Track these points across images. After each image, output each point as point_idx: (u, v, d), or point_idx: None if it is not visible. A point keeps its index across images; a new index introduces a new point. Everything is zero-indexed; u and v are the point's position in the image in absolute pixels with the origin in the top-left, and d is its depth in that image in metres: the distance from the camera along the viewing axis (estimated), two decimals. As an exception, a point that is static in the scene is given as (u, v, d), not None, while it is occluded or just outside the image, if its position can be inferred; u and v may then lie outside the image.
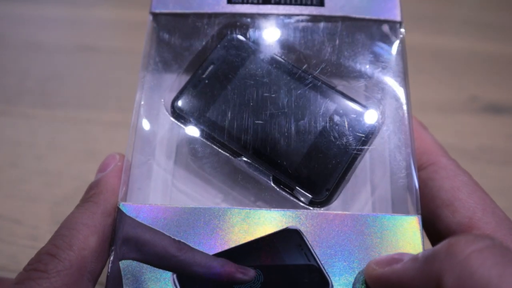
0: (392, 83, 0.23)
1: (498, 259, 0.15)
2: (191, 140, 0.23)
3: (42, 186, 0.35)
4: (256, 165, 0.21)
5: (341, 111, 0.22)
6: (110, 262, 0.19)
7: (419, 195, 0.21)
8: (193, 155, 0.23)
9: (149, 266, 0.19)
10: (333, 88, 0.22)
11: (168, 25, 0.24)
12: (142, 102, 0.22)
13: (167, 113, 0.22)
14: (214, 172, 0.22)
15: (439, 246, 0.16)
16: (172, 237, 0.19)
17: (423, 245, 0.19)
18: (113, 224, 0.19)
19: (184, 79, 0.23)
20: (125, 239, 0.19)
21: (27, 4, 0.49)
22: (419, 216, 0.20)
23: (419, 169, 0.22)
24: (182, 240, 0.19)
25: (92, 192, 0.20)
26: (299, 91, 0.22)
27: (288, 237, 0.19)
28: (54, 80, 0.42)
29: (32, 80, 0.42)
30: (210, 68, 0.23)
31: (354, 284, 0.18)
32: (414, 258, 0.17)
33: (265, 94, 0.22)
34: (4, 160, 0.37)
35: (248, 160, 0.21)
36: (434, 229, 0.21)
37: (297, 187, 0.21)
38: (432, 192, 0.21)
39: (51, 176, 0.35)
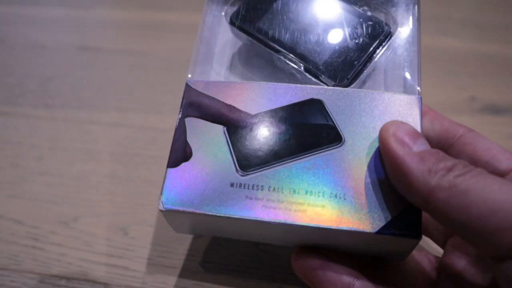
0: (404, 7, 0.29)
1: None
2: (245, 45, 0.29)
3: (42, 186, 0.35)
4: (293, 59, 0.26)
5: (361, 21, 0.27)
6: (178, 119, 0.25)
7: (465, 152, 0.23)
8: (245, 58, 0.29)
9: (206, 121, 0.25)
10: (357, 6, 0.28)
11: None
12: (207, 16, 0.29)
13: (226, 28, 0.29)
14: (261, 74, 0.28)
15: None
16: (225, 102, 0.25)
17: (421, 119, 0.23)
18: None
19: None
20: (190, 103, 0.25)
21: (28, 5, 0.49)
22: (419, 96, 0.25)
23: (451, 140, 0.24)
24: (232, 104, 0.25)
25: None
26: (330, 7, 0.28)
27: (313, 104, 0.25)
28: (55, 80, 0.42)
29: (33, 80, 0.42)
30: None
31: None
32: (416, 159, 0.20)
33: (304, 9, 0.28)
34: (5, 160, 0.37)
35: (288, 55, 0.27)
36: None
37: (323, 75, 0.26)
38: (477, 149, 0.23)
39: (51, 176, 0.36)
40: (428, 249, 0.30)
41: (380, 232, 0.21)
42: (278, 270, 0.30)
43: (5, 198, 0.35)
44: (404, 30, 0.27)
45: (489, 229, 0.17)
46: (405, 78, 0.26)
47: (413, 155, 0.20)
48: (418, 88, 0.25)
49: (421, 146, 0.21)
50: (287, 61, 0.27)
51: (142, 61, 0.44)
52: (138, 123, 0.39)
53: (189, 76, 0.27)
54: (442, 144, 0.24)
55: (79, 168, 0.36)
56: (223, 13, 0.29)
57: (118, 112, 0.40)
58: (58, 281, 0.30)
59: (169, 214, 0.23)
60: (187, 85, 0.26)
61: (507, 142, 0.38)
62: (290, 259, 0.24)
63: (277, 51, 0.27)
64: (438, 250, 0.28)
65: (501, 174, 0.22)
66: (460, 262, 0.24)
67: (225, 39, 0.29)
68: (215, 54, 0.28)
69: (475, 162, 0.23)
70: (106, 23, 0.48)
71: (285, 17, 0.28)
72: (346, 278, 0.22)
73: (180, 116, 0.25)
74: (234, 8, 0.28)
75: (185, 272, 0.30)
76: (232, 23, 0.28)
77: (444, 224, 0.19)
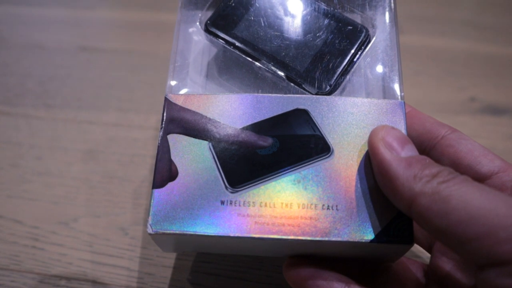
0: (381, 10, 0.28)
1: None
2: (220, 53, 0.28)
3: (42, 186, 0.35)
4: (274, 68, 0.26)
5: (340, 26, 0.27)
6: (160, 136, 0.24)
7: (448, 155, 0.24)
8: (222, 68, 0.28)
9: (190, 137, 0.24)
10: (335, 10, 0.28)
11: None
12: (181, 24, 0.28)
13: (201, 36, 0.28)
14: (240, 83, 0.27)
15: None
16: (208, 116, 0.24)
17: (405, 124, 0.24)
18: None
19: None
20: (171, 119, 0.24)
21: (28, 5, 0.49)
22: (403, 101, 0.24)
23: (433, 142, 0.24)
24: (214, 118, 0.24)
25: None
26: (307, 12, 0.27)
27: (298, 115, 0.24)
28: (55, 80, 0.42)
29: (33, 81, 0.42)
30: None
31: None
32: (405, 165, 0.20)
33: (280, 15, 0.27)
34: (5, 160, 0.37)
35: (269, 64, 0.26)
36: (475, 176, 0.23)
37: (305, 83, 0.25)
38: (458, 152, 0.23)
39: (51, 176, 0.36)
40: (416, 252, 0.30)
41: (373, 241, 0.21)
42: (277, 270, 0.30)
43: (5, 198, 0.35)
44: (382, 33, 0.27)
45: (468, 236, 0.17)
46: (386, 83, 0.26)
47: (400, 161, 0.20)
48: (401, 93, 0.25)
49: (409, 151, 0.21)
50: (268, 70, 0.26)
51: (142, 61, 0.44)
52: (138, 123, 0.39)
53: (170, 83, 0.26)
54: (424, 146, 0.24)
55: (79, 168, 0.36)
56: (197, 23, 0.28)
57: (118, 112, 0.40)
58: (58, 281, 0.30)
59: (158, 237, 0.22)
60: (166, 100, 0.25)
61: (507, 143, 0.38)
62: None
63: (257, 59, 0.26)
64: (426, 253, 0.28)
65: (483, 177, 0.22)
66: (447, 266, 0.24)
67: (200, 45, 0.28)
68: (190, 62, 0.28)
69: (457, 165, 0.23)
70: (106, 23, 0.48)
71: (262, 23, 0.27)
72: (337, 286, 0.22)
73: (161, 133, 0.24)
74: (209, 14, 0.28)
75: (185, 273, 0.30)
76: (207, 30, 0.27)
77: (426, 230, 0.19)
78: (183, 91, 0.26)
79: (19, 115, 0.40)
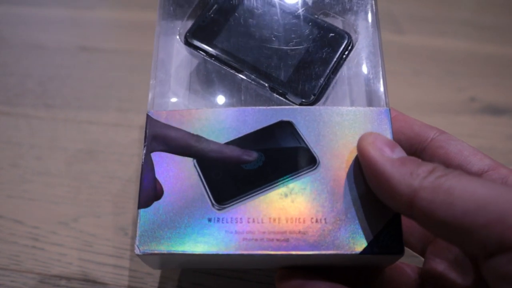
0: (363, 15, 0.28)
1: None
2: (202, 65, 0.28)
3: (42, 186, 0.35)
4: (256, 79, 0.26)
5: (322, 33, 0.26)
6: (143, 155, 0.23)
7: (437, 156, 0.24)
8: (204, 80, 0.27)
9: (174, 155, 0.23)
10: (316, 17, 0.27)
11: None
12: (160, 36, 0.28)
13: (181, 48, 0.27)
14: (223, 95, 0.27)
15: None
16: (191, 132, 0.24)
17: (392, 131, 0.23)
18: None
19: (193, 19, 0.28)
20: (154, 137, 0.24)
21: (28, 5, 0.49)
22: (388, 108, 0.24)
23: (423, 144, 0.24)
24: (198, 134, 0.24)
25: None
26: (288, 21, 0.27)
27: (283, 127, 0.24)
28: (55, 80, 0.42)
29: (33, 80, 0.42)
30: (214, 7, 0.27)
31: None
32: (398, 163, 0.20)
33: (261, 24, 0.27)
34: (5, 160, 0.37)
35: (252, 75, 0.26)
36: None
37: (289, 93, 0.25)
38: (449, 152, 0.24)
39: (51, 176, 0.36)
40: (413, 252, 0.30)
41: (363, 252, 0.21)
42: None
43: (5, 198, 0.35)
44: (365, 39, 0.27)
45: (477, 225, 0.17)
46: (370, 90, 0.26)
47: (393, 161, 0.20)
48: (386, 99, 0.25)
49: (399, 153, 0.21)
50: (251, 81, 0.26)
51: (142, 61, 0.44)
52: (138, 123, 0.39)
53: (152, 99, 0.26)
54: (414, 149, 0.24)
55: (79, 168, 0.36)
56: (177, 36, 0.27)
57: (118, 112, 0.40)
58: (58, 281, 0.30)
59: (146, 257, 0.22)
60: (148, 117, 0.24)
61: (507, 143, 0.38)
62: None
63: (239, 71, 0.26)
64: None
65: (489, 164, 0.23)
66: (441, 267, 0.24)
67: (181, 58, 0.28)
68: (172, 76, 0.27)
69: (448, 165, 0.23)
70: (106, 23, 0.48)
71: (243, 34, 0.26)
72: None
73: (145, 151, 0.23)
74: (188, 26, 0.27)
75: (185, 272, 0.30)
76: (187, 43, 0.26)
77: (428, 226, 0.19)
78: (167, 101, 0.26)
79: (19, 115, 0.40)
